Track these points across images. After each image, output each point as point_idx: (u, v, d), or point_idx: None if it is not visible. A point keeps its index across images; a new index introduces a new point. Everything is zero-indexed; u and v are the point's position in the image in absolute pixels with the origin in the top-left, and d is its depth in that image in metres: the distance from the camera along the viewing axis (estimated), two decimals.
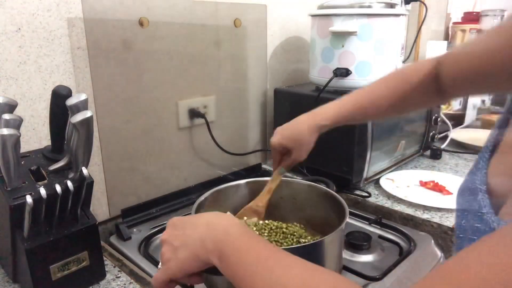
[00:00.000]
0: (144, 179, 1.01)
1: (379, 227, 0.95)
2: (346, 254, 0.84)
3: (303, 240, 0.75)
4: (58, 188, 0.61)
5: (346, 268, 0.77)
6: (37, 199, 0.59)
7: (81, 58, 0.85)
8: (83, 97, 0.64)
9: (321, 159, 1.15)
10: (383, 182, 1.10)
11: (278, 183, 0.81)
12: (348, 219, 0.94)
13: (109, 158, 0.93)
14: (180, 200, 1.04)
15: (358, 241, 0.87)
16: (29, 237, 0.63)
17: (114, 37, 0.88)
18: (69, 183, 0.62)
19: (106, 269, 0.76)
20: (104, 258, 0.79)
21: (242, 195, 0.83)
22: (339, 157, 1.09)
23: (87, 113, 0.61)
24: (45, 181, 0.64)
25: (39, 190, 0.59)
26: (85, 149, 0.64)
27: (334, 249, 0.66)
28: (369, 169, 1.10)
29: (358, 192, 1.08)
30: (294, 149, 0.79)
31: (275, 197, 0.82)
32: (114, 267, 0.77)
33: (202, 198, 0.73)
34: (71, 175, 0.66)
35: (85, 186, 0.65)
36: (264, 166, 1.29)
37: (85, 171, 0.63)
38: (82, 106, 0.62)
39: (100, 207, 0.94)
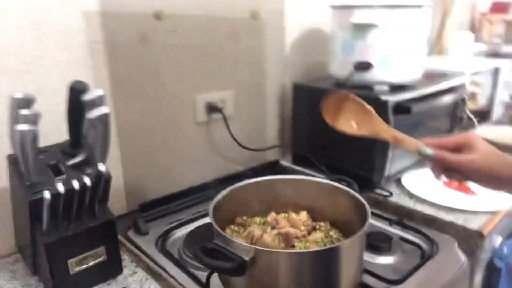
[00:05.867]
0: (162, 174, 1.00)
1: (400, 228, 0.92)
2: (366, 256, 0.82)
3: (332, 233, 0.75)
4: (75, 184, 0.60)
5: (365, 271, 0.75)
6: (55, 194, 0.59)
7: (98, 52, 0.84)
8: (99, 92, 0.63)
9: (341, 156, 1.12)
10: (405, 181, 1.07)
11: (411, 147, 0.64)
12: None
13: (127, 152, 0.93)
14: (198, 195, 1.03)
15: (378, 242, 0.84)
16: (48, 232, 0.63)
17: (130, 31, 0.87)
18: (87, 179, 0.62)
19: (123, 264, 0.76)
20: (122, 253, 0.79)
21: (261, 193, 0.81)
22: (360, 154, 1.07)
23: (104, 109, 0.61)
24: (63, 176, 0.64)
25: (57, 185, 0.59)
26: (102, 145, 0.64)
27: (355, 252, 0.64)
28: (391, 167, 1.07)
29: (379, 191, 1.05)
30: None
31: (296, 195, 0.81)
32: (132, 262, 0.77)
33: (219, 197, 0.72)
34: (89, 170, 0.66)
35: (102, 181, 0.65)
36: (281, 162, 1.27)
37: (102, 167, 0.62)
38: (98, 101, 0.62)
39: (118, 202, 0.94)
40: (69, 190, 0.60)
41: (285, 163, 1.27)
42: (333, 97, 0.71)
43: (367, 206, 0.69)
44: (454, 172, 0.62)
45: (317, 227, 0.77)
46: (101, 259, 0.69)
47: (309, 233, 0.76)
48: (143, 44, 0.90)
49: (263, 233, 0.73)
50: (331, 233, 0.75)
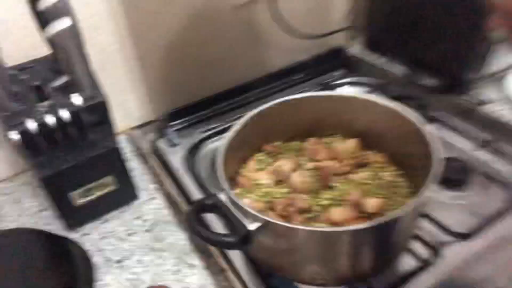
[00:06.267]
0: (192, 74, 0.85)
1: (489, 154, 0.70)
2: (434, 191, 0.64)
3: (384, 173, 0.57)
4: (50, 119, 0.49)
5: (426, 216, 0.58)
6: (29, 130, 0.49)
7: None
8: None
9: (427, 43, 0.85)
10: (510, 84, 0.79)
11: None
12: (447, 137, 0.72)
13: (147, 50, 0.78)
14: (238, 99, 0.88)
15: (452, 174, 0.65)
16: (42, 164, 0.56)
17: None
18: (64, 113, 0.50)
19: (143, 186, 0.69)
20: (143, 172, 0.73)
21: (300, 113, 0.62)
22: (452, 41, 0.78)
23: (65, 22, 0.45)
24: (47, 103, 0.53)
25: (26, 122, 0.49)
26: (80, 64, 0.50)
27: (410, 220, 0.47)
28: (494, 61, 0.78)
29: (469, 96, 0.79)
30: None
31: (346, 117, 0.61)
32: (152, 184, 0.70)
33: (239, 125, 0.56)
34: (75, 95, 0.54)
35: (91, 108, 0.53)
36: (348, 50, 1.02)
37: (77, 100, 0.49)
38: (60, 9, 0.46)
39: (142, 108, 0.83)
40: (43, 125, 0.50)
41: (353, 50, 1.02)
42: None
43: (436, 148, 0.49)
44: None
45: (368, 161, 0.59)
46: (109, 189, 0.62)
47: (357, 167, 0.59)
48: None
49: (294, 169, 0.59)
50: (384, 173, 0.57)
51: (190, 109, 0.85)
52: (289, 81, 0.92)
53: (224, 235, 0.43)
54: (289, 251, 0.46)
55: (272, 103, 0.60)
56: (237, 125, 0.57)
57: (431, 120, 0.76)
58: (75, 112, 0.50)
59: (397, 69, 0.89)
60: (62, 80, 0.54)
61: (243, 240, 0.42)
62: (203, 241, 0.42)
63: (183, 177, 0.72)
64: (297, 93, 0.60)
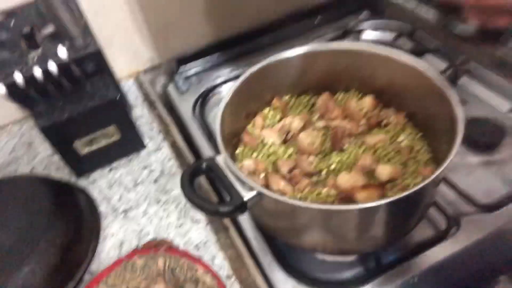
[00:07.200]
0: (205, 14, 0.78)
1: None
2: (457, 154, 0.59)
3: (402, 137, 0.52)
4: (37, 72, 0.46)
5: (446, 181, 0.54)
6: (16, 82, 0.47)
7: None
8: None
9: None
10: None
11: None
12: (480, 94, 0.65)
13: None
14: (253, 43, 0.81)
15: (481, 135, 0.59)
16: (41, 114, 0.54)
17: None
18: (52, 65, 0.46)
19: (150, 135, 0.67)
20: (151, 119, 0.70)
21: (314, 66, 0.56)
22: None
23: None
24: (38, 52, 0.50)
25: (14, 74, 0.46)
26: (65, 11, 0.46)
27: (430, 193, 0.43)
28: None
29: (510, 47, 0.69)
30: None
31: (363, 72, 0.55)
32: (159, 133, 0.68)
33: (244, 77, 0.51)
34: (66, 43, 0.50)
35: (84, 59, 0.50)
36: None
37: (63, 53, 0.45)
38: None
39: (151, 50, 0.79)
40: (30, 77, 0.47)
41: None
42: None
43: (458, 111, 0.43)
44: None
45: (385, 121, 0.54)
46: (114, 138, 0.60)
47: (371, 128, 0.54)
48: None
49: (304, 127, 0.54)
50: (402, 136, 0.52)
51: (201, 54, 0.79)
52: (308, 24, 0.83)
53: (219, 204, 0.40)
54: (287, 223, 0.43)
55: (282, 55, 0.54)
56: (243, 76, 0.52)
57: (464, 72, 0.68)
58: (63, 64, 0.47)
59: (429, 13, 0.79)
60: (50, 28, 0.50)
61: (238, 209, 0.40)
62: (196, 208, 0.40)
63: (192, 127, 0.69)
64: (314, 41, 0.53)
